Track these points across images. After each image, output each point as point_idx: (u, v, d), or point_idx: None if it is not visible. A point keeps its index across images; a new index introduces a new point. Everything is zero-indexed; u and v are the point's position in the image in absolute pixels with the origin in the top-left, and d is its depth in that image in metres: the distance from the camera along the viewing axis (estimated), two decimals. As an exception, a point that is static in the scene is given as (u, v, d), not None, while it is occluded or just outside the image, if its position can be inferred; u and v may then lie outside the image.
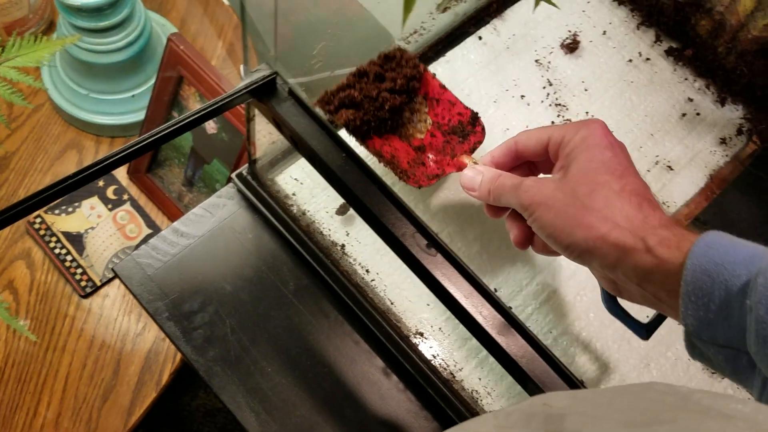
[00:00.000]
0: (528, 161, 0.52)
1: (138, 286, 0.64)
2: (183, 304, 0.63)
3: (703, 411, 0.28)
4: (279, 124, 0.49)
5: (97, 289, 0.85)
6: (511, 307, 0.66)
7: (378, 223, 0.48)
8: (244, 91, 0.46)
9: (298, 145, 0.49)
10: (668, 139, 0.74)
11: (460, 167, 0.54)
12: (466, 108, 0.58)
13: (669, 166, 0.73)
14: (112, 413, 0.77)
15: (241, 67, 0.48)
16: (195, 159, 0.82)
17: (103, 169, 0.42)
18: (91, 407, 0.77)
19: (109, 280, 0.86)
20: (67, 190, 0.42)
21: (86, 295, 0.85)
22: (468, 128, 0.58)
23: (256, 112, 0.53)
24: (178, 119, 0.43)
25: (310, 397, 0.62)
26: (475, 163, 0.53)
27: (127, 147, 0.43)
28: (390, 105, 0.53)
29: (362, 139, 0.52)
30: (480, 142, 0.57)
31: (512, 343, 0.46)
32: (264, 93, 0.48)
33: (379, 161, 0.53)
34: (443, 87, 0.58)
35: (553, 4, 0.40)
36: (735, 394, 0.52)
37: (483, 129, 0.58)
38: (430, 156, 0.56)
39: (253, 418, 0.61)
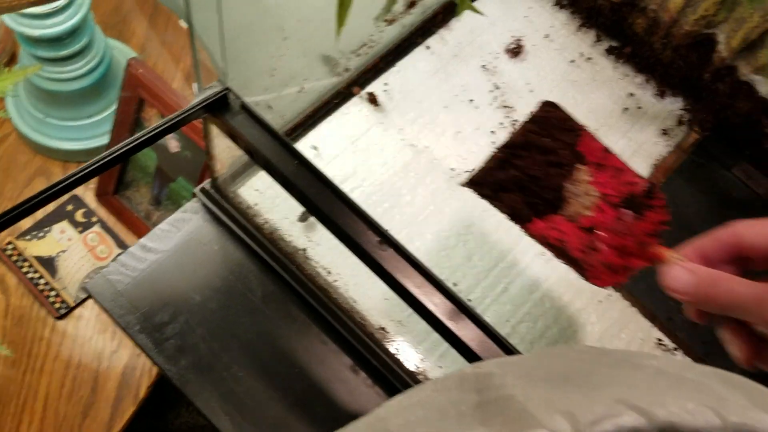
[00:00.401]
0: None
1: (109, 302, 0.66)
2: (154, 317, 0.66)
3: (615, 364, 0.32)
4: (234, 137, 0.52)
5: (71, 310, 0.87)
6: (470, 300, 0.69)
7: (332, 224, 0.51)
8: (198, 107, 0.49)
9: (254, 156, 0.52)
10: (612, 133, 0.78)
11: (655, 259, 0.44)
12: (638, 176, 0.48)
13: (614, 159, 0.77)
14: (92, 429, 0.79)
15: (194, 85, 0.50)
16: (160, 178, 0.85)
17: (66, 187, 0.45)
18: (72, 424, 0.79)
19: (83, 301, 0.88)
20: (33, 209, 0.44)
21: (61, 317, 0.86)
22: (643, 202, 0.47)
23: (213, 127, 0.56)
24: (133, 138, 0.46)
25: (282, 398, 0.64)
26: (677, 257, 0.43)
27: (83, 168, 0.45)
28: (557, 183, 0.45)
29: (522, 223, 0.45)
30: (664, 222, 0.47)
31: (463, 328, 0.49)
32: (217, 108, 0.51)
33: (547, 248, 0.45)
34: (606, 150, 0.49)
35: (478, 12, 0.44)
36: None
37: (665, 204, 0.47)
38: (605, 237, 0.46)
39: (228, 422, 0.63)
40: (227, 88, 0.50)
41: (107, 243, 0.91)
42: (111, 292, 0.66)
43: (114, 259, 0.67)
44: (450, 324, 0.49)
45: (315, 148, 0.72)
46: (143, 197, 0.90)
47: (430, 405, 0.31)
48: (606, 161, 0.48)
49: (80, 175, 0.45)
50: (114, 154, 0.46)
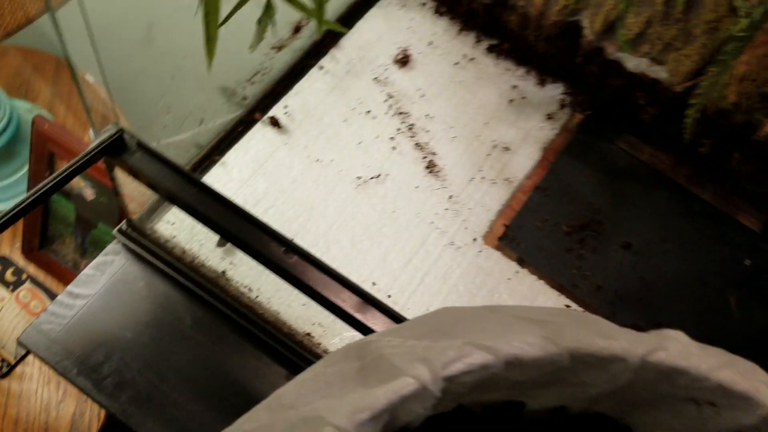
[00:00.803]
0: None
1: (44, 351, 0.68)
2: (89, 359, 0.68)
3: (477, 316, 0.36)
4: (135, 174, 0.55)
5: (12, 368, 0.88)
6: (390, 296, 0.74)
7: (240, 242, 0.55)
8: (95, 151, 0.53)
9: (157, 190, 0.56)
10: (501, 124, 0.85)
11: None
12: None
13: (506, 148, 0.83)
14: (48, 481, 0.80)
15: (90, 132, 0.54)
16: (82, 227, 0.87)
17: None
18: (26, 480, 0.80)
19: (23, 357, 0.89)
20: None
21: (4, 376, 0.87)
22: None
23: (117, 168, 0.59)
24: (34, 189, 0.49)
25: (224, 415, 0.68)
26: None
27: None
28: None
29: None
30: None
31: (372, 318, 0.54)
32: (115, 150, 0.54)
33: None
34: None
35: (340, 29, 0.48)
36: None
37: None
38: None
39: (173, 447, 0.66)
40: (121, 129, 0.53)
41: (39, 297, 0.92)
42: (45, 342, 0.69)
43: (44, 310, 0.69)
44: (359, 316, 0.54)
45: (225, 175, 0.76)
46: (68, 248, 0.92)
47: (319, 378, 0.35)
48: None
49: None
50: (18, 208, 0.49)
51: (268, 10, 0.46)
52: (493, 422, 0.41)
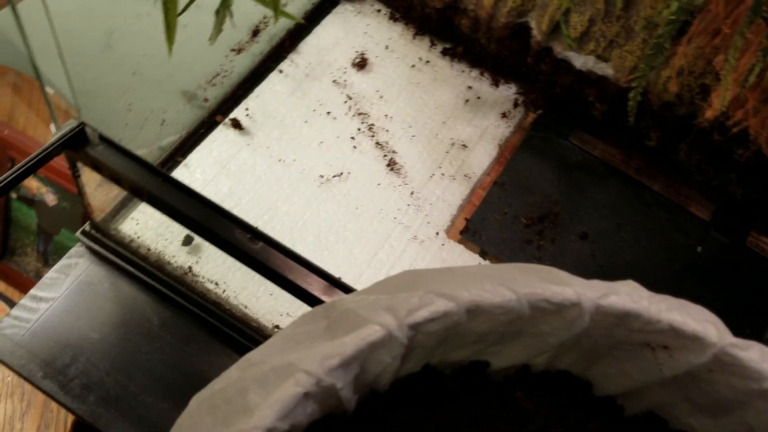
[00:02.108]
0: None
1: (8, 356, 0.68)
2: (55, 361, 0.68)
3: (436, 272, 0.38)
4: (97, 167, 0.56)
5: (-28, 383, 0.86)
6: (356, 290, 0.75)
7: (203, 229, 0.55)
8: (57, 143, 0.53)
9: (120, 182, 0.56)
10: (458, 123, 0.87)
11: None
12: None
13: (464, 145, 0.85)
14: (12, 495, 0.78)
15: (51, 126, 0.54)
16: (43, 235, 0.87)
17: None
18: (-10, 495, 0.78)
19: (-16, 371, 0.87)
20: None
21: (-37, 392, 0.86)
22: None
23: (80, 165, 0.60)
24: None
25: (193, 414, 0.67)
26: None
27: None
28: None
29: None
30: None
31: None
32: (77, 143, 0.55)
33: None
34: None
35: (293, 18, 0.50)
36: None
37: None
38: None
39: (143, 446, 0.66)
40: (83, 123, 0.54)
41: (2, 309, 0.91)
42: (8, 346, 0.68)
43: (7, 314, 0.69)
44: (326, 298, 0.55)
45: (189, 175, 0.77)
46: (30, 257, 0.91)
47: (287, 338, 0.36)
48: None
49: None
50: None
51: (225, 1, 0.48)
52: (460, 384, 0.42)
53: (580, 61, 0.85)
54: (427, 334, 0.35)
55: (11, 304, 0.91)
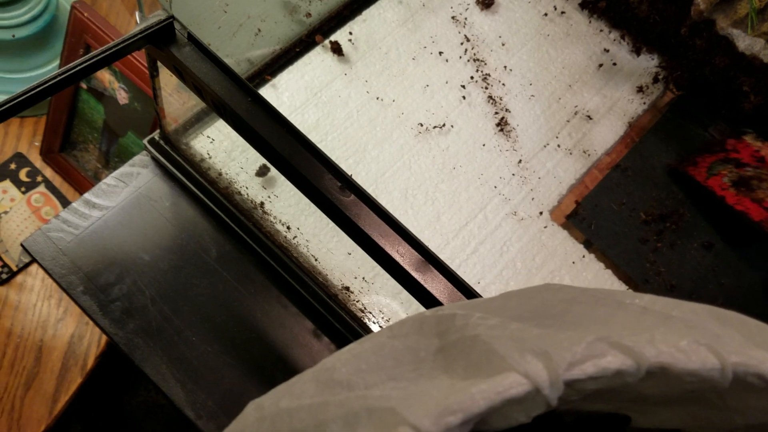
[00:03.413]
0: None
1: (50, 262, 0.61)
2: (98, 277, 0.61)
3: (594, 302, 0.28)
4: (180, 72, 0.47)
5: (13, 275, 0.81)
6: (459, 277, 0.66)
7: (289, 168, 0.46)
8: (140, 35, 0.44)
9: (202, 93, 0.47)
10: (586, 89, 0.75)
11: None
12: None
13: (588, 116, 0.74)
14: (36, 401, 0.73)
15: (137, 14, 0.46)
16: (109, 133, 0.79)
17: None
18: (13, 396, 0.73)
19: (26, 266, 0.82)
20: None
21: (2, 282, 0.80)
22: None
23: (160, 66, 0.51)
24: (64, 68, 0.41)
25: (238, 364, 0.60)
26: None
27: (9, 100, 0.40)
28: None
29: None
30: None
31: (431, 280, 0.45)
32: (162, 39, 0.46)
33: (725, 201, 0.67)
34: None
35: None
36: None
37: None
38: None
39: (179, 389, 0.59)
40: (172, 17, 0.45)
41: (53, 204, 0.85)
42: (52, 251, 0.61)
43: (56, 216, 0.62)
44: (417, 276, 0.46)
45: (275, 98, 0.68)
46: (91, 155, 0.84)
47: (384, 352, 0.27)
48: None
49: (6, 107, 0.41)
50: (42, 87, 0.41)
51: None
52: (582, 433, 0.33)
53: (746, 42, 0.72)
54: (579, 391, 0.25)
55: (64, 201, 0.85)
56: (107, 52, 0.43)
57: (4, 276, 0.80)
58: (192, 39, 0.46)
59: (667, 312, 0.28)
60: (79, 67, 0.43)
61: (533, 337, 0.25)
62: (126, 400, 1.27)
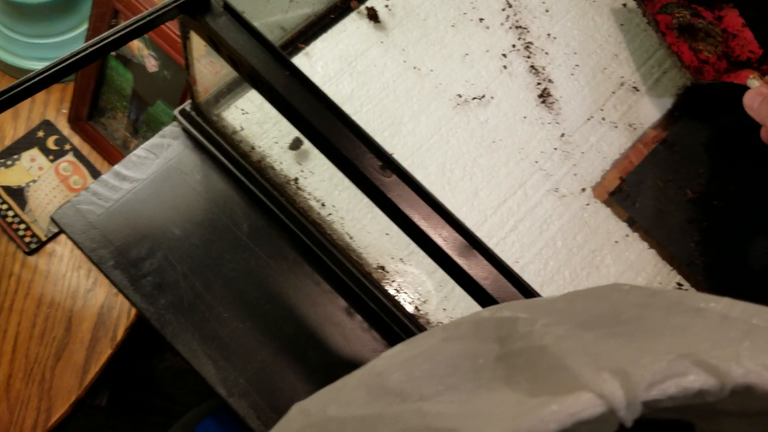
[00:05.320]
0: None
1: (80, 235, 0.60)
2: (129, 251, 0.60)
3: (669, 307, 0.26)
4: (215, 42, 0.45)
5: (42, 245, 0.81)
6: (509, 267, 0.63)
7: (327, 145, 0.44)
8: (173, 4, 0.42)
9: (237, 66, 0.45)
10: (634, 59, 0.72)
11: (743, 80, 0.61)
12: (759, 48, 0.67)
13: (635, 87, 0.70)
14: (66, 372, 0.74)
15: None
16: (137, 102, 0.78)
17: (16, 96, 0.38)
18: (44, 367, 0.74)
19: (55, 235, 0.82)
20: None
21: (31, 252, 0.80)
22: (756, 67, 0.64)
23: (192, 34, 0.49)
24: (92, 41, 0.39)
25: (270, 341, 0.59)
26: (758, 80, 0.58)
27: (40, 72, 0.38)
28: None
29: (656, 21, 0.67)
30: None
31: (475, 265, 0.43)
32: (196, 8, 0.44)
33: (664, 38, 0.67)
34: (744, 26, 0.69)
35: None
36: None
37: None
38: (709, 72, 0.66)
39: (210, 366, 0.58)
40: (207, -17, 0.43)
41: (81, 173, 0.84)
42: (82, 224, 0.60)
43: (85, 188, 0.61)
44: (460, 261, 0.44)
45: (309, 67, 0.65)
46: (119, 123, 0.82)
47: (438, 357, 0.25)
48: (740, 33, 0.69)
49: (36, 80, 0.39)
50: (70, 60, 0.39)
51: None
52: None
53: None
54: (656, 410, 0.23)
55: (93, 170, 0.84)
56: (138, 23, 0.41)
57: (33, 246, 0.80)
58: (227, 7, 0.44)
59: (747, 319, 0.26)
60: (108, 40, 0.40)
61: (607, 350, 0.23)
62: (153, 364, 1.28)
